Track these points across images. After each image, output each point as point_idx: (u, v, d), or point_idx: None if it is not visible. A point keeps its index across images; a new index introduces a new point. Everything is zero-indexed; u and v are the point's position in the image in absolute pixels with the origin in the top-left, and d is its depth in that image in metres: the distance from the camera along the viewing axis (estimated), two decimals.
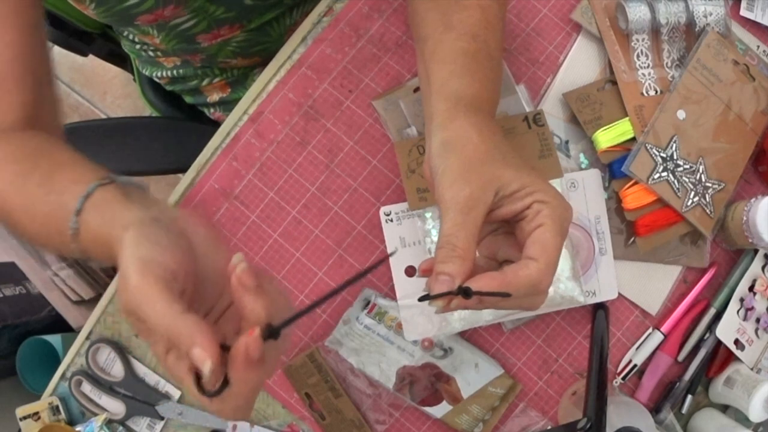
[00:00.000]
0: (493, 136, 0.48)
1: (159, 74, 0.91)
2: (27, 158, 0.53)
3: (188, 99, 0.96)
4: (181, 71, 0.89)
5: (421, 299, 0.41)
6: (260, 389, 0.39)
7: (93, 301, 1.26)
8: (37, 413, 0.71)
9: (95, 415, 0.70)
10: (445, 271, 0.42)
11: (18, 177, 0.52)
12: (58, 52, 1.12)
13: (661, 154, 0.63)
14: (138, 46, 0.86)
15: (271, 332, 0.36)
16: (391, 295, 0.67)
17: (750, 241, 0.62)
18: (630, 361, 0.67)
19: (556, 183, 0.63)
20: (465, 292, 0.40)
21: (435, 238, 0.64)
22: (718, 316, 0.67)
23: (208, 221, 0.43)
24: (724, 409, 0.70)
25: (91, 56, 1.01)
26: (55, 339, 1.27)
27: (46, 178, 0.50)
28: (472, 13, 0.54)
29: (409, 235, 0.65)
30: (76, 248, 0.48)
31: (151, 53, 0.88)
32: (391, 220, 0.66)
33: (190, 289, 0.40)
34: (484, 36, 0.54)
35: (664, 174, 0.63)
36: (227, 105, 0.94)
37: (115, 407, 0.70)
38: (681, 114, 0.64)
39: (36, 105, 0.57)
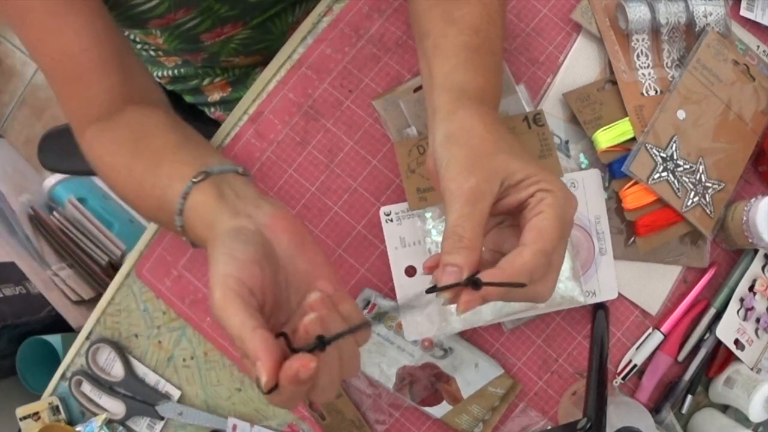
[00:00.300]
0: (498, 127, 0.47)
1: (159, 74, 0.91)
2: (130, 145, 0.56)
3: (188, 98, 0.96)
4: (182, 70, 0.89)
5: (428, 291, 0.40)
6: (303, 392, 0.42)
7: (93, 301, 1.26)
8: (37, 413, 0.71)
9: (95, 415, 0.70)
10: (453, 262, 0.42)
11: (125, 167, 0.55)
12: None
13: (661, 154, 0.63)
14: (139, 46, 0.86)
15: (319, 343, 0.38)
16: (391, 295, 0.67)
17: (750, 241, 0.62)
18: (630, 361, 0.67)
19: None
20: (474, 283, 0.40)
21: (435, 238, 0.64)
22: (718, 316, 0.67)
23: (299, 222, 0.48)
24: (724, 409, 0.70)
25: None
26: (55, 339, 1.27)
27: (150, 168, 0.54)
28: (474, 8, 0.54)
29: (409, 235, 0.65)
30: (187, 240, 0.52)
31: (152, 53, 0.88)
32: (391, 220, 0.66)
33: (270, 300, 0.42)
34: (486, 31, 0.54)
35: (664, 174, 0.63)
36: (228, 104, 0.93)
37: (115, 407, 0.70)
38: (681, 114, 0.64)
39: (125, 81, 0.59)
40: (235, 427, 0.69)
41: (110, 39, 0.58)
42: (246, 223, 0.45)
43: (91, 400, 0.71)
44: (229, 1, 0.72)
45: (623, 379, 0.67)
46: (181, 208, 0.50)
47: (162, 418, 0.70)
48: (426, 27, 0.55)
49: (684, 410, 0.68)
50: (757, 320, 0.67)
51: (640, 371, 0.68)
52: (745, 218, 0.62)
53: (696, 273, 0.68)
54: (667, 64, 0.67)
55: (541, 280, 0.43)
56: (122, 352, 0.70)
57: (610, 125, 0.65)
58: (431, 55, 0.53)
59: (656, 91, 0.66)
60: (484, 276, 0.40)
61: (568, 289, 0.62)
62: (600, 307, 0.66)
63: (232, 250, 0.42)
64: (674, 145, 0.64)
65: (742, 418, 0.67)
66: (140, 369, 0.70)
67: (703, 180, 0.64)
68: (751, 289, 0.67)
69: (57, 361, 0.77)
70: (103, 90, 0.58)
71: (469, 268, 0.41)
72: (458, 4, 0.54)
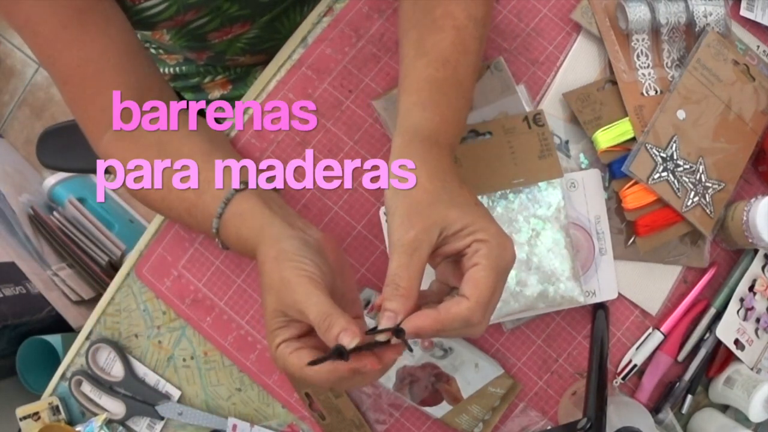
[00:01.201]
0: (443, 174, 0.49)
1: (161, 71, 0.91)
2: (154, 149, 0.58)
3: (188, 96, 0.95)
4: (183, 68, 0.89)
5: (368, 332, 0.45)
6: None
7: (93, 301, 1.26)
8: (37, 413, 0.71)
9: (95, 415, 0.70)
10: (390, 309, 0.45)
11: (149, 172, 0.57)
12: None
13: (661, 154, 0.63)
14: None
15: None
16: None
17: (750, 241, 0.63)
18: (630, 361, 0.67)
19: (556, 183, 0.63)
20: (397, 333, 0.45)
21: None
22: (718, 316, 0.67)
23: (339, 247, 0.53)
24: (724, 409, 0.70)
25: None
26: (55, 339, 1.27)
27: (179, 173, 0.56)
28: (447, 35, 0.55)
29: None
30: (218, 242, 0.56)
31: (153, 50, 0.87)
32: None
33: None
34: (455, 61, 0.54)
35: (664, 174, 0.63)
36: (228, 102, 0.93)
37: (115, 407, 0.70)
38: (681, 114, 0.64)
39: (140, 83, 0.60)
40: (235, 427, 0.69)
41: (124, 42, 0.59)
42: (305, 236, 0.50)
43: (91, 400, 0.71)
44: (239, 1, 0.72)
45: (623, 379, 0.67)
46: (221, 213, 0.53)
47: (162, 418, 0.70)
48: (402, 51, 0.57)
49: (684, 410, 0.68)
50: (757, 320, 0.67)
51: (640, 371, 0.68)
52: (745, 218, 0.62)
53: (696, 273, 0.68)
54: (667, 64, 0.67)
55: (477, 323, 0.46)
56: (122, 352, 0.70)
57: (610, 125, 0.65)
58: (399, 85, 0.55)
59: (656, 91, 0.66)
60: (421, 316, 0.45)
61: (568, 289, 0.62)
62: (600, 307, 0.66)
63: (306, 255, 0.48)
64: (674, 145, 0.64)
65: (742, 418, 0.67)
66: (140, 369, 0.70)
67: (703, 180, 0.64)
68: (751, 289, 0.67)
69: (57, 361, 0.77)
70: (119, 94, 0.58)
71: (403, 313, 0.45)
72: (432, 30, 0.55)
